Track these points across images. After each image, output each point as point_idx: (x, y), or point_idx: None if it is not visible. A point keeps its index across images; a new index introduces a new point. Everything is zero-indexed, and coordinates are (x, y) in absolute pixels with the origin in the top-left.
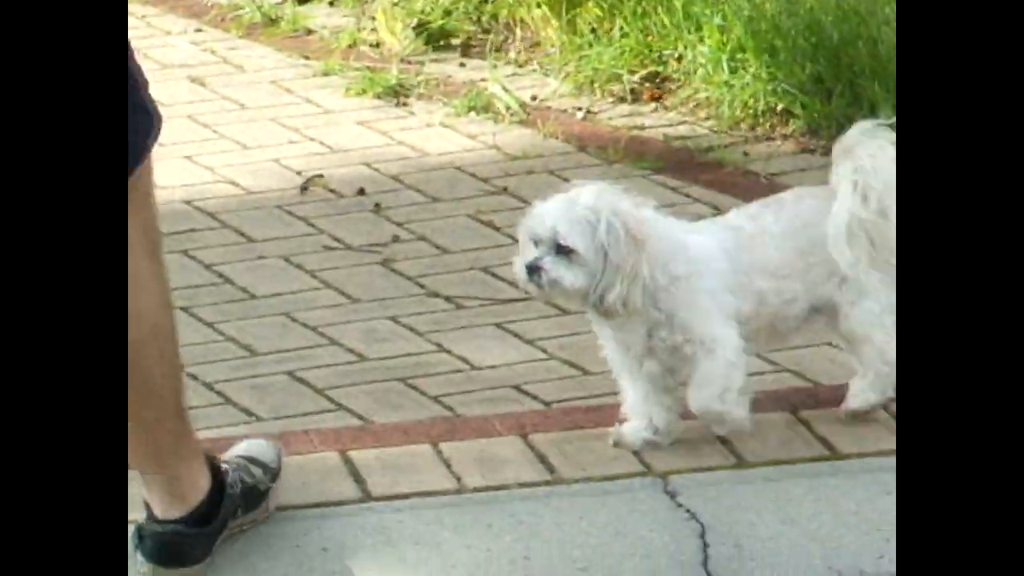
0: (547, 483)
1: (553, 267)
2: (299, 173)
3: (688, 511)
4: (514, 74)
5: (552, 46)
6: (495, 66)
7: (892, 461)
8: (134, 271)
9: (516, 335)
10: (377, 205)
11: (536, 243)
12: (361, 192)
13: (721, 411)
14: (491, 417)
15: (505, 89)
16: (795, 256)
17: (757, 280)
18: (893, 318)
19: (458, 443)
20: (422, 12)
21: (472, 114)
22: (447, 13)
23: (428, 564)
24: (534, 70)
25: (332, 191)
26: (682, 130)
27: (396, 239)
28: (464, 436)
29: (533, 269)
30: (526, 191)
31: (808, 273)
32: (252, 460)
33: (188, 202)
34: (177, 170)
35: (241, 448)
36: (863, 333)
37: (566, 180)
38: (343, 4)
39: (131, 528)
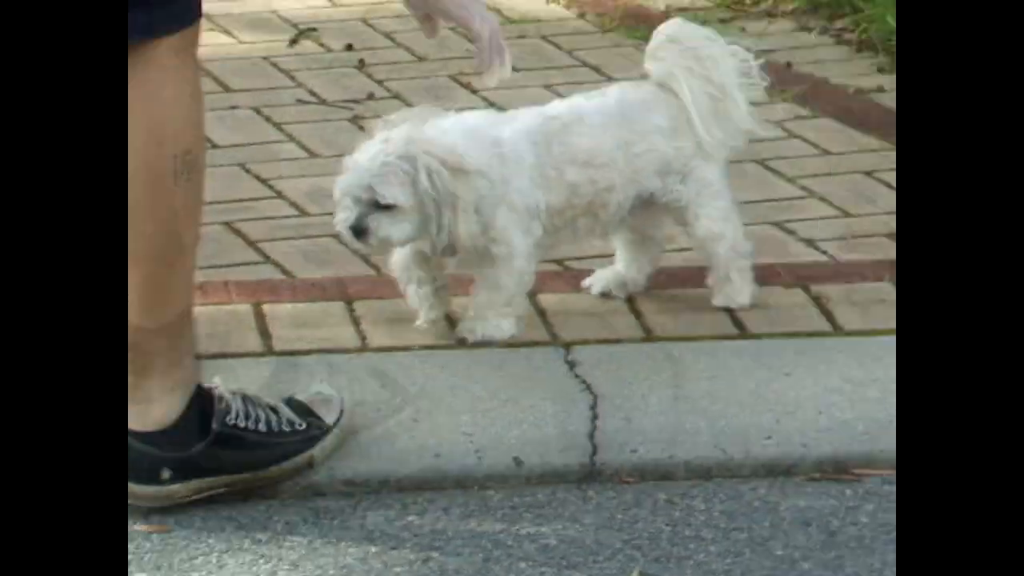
0: (448, 347)
1: (379, 225)
2: (295, 26)
3: (584, 382)
4: None
5: None
6: None
7: (797, 341)
8: None
9: None
10: (361, 61)
11: (355, 201)
12: (349, 48)
13: (502, 315)
14: None
15: None
16: (613, 145)
17: (568, 171)
18: (736, 208)
19: (374, 302)
20: None
21: None
22: None
23: None
24: None
25: (322, 45)
26: (684, 2)
27: (371, 96)
28: (382, 295)
29: (359, 231)
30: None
31: (631, 164)
32: None
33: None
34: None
35: None
36: (717, 231)
37: (557, 47)
38: None
39: None
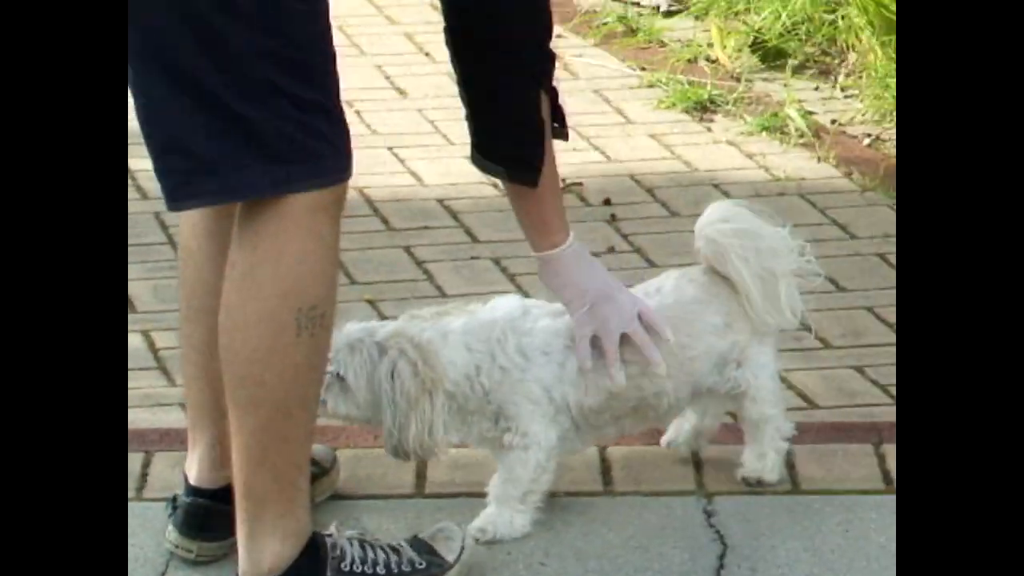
0: (591, 493)
1: (332, 392)
2: (563, 180)
3: (717, 532)
4: (831, 97)
5: (875, 71)
6: (816, 88)
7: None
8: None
9: None
10: (613, 216)
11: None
12: (607, 202)
13: (515, 511)
14: None
15: (806, 111)
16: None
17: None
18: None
19: None
20: (759, 30)
21: (764, 134)
22: (785, 32)
23: None
24: (854, 94)
25: (582, 199)
26: None
27: (611, 250)
28: None
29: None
30: (765, 215)
31: (684, 367)
32: None
33: (440, 200)
34: (452, 165)
35: None
36: (769, 415)
37: (812, 205)
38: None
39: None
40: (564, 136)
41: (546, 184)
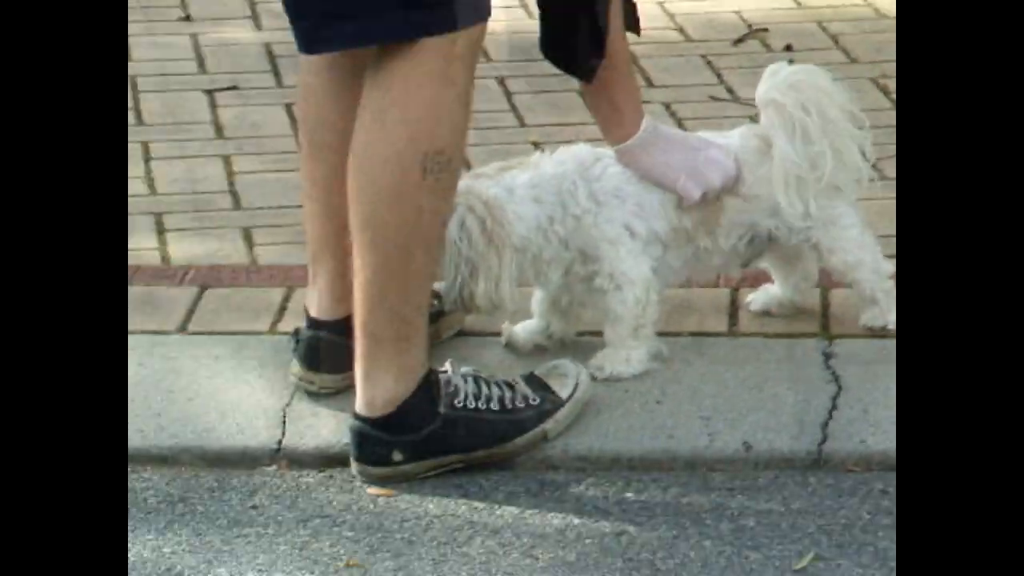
0: (717, 333)
1: None
2: (750, 26)
3: (833, 373)
4: None
5: None
6: None
7: None
8: None
9: None
10: (790, 62)
11: None
12: (787, 48)
13: (632, 347)
14: None
15: None
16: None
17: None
18: (870, 232)
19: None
20: None
21: None
22: None
23: None
24: None
25: (765, 45)
26: None
27: None
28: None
29: None
30: None
31: (745, 206)
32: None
33: None
34: (642, 8)
35: None
36: (854, 260)
37: None
38: None
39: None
40: (636, 31)
41: (614, 78)
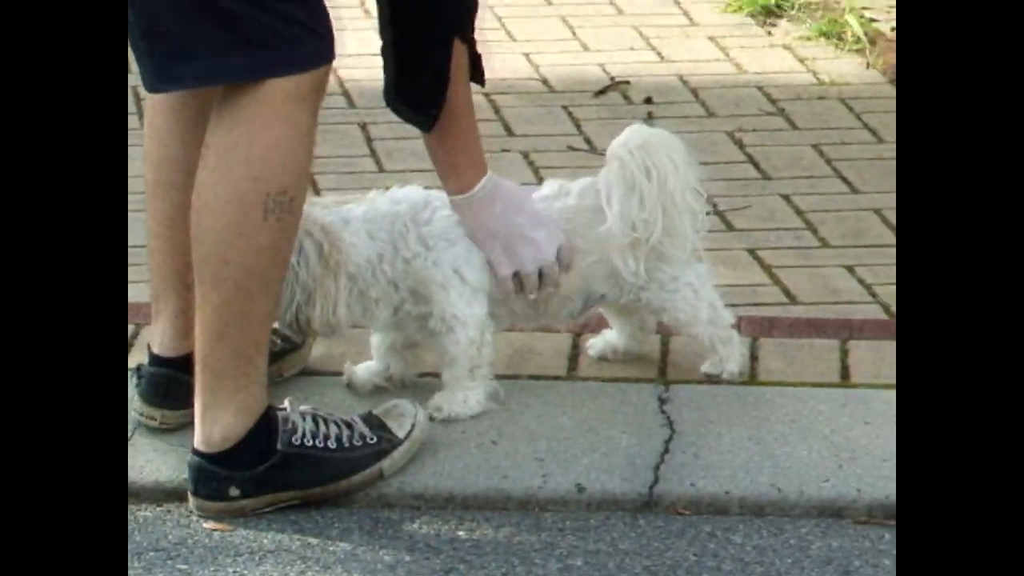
0: (555, 377)
1: None
2: (613, 79)
3: (668, 418)
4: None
5: None
6: None
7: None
8: None
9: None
10: (649, 114)
11: None
12: (648, 100)
13: (469, 388)
14: None
15: (868, 19)
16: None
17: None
18: (709, 285)
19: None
20: None
21: (822, 39)
22: None
23: None
24: None
25: (625, 97)
26: None
27: None
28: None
29: None
30: (799, 119)
31: (581, 272)
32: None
33: (487, 94)
34: (507, 61)
35: None
36: (686, 318)
37: (849, 109)
38: None
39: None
40: (481, 82)
41: (453, 130)
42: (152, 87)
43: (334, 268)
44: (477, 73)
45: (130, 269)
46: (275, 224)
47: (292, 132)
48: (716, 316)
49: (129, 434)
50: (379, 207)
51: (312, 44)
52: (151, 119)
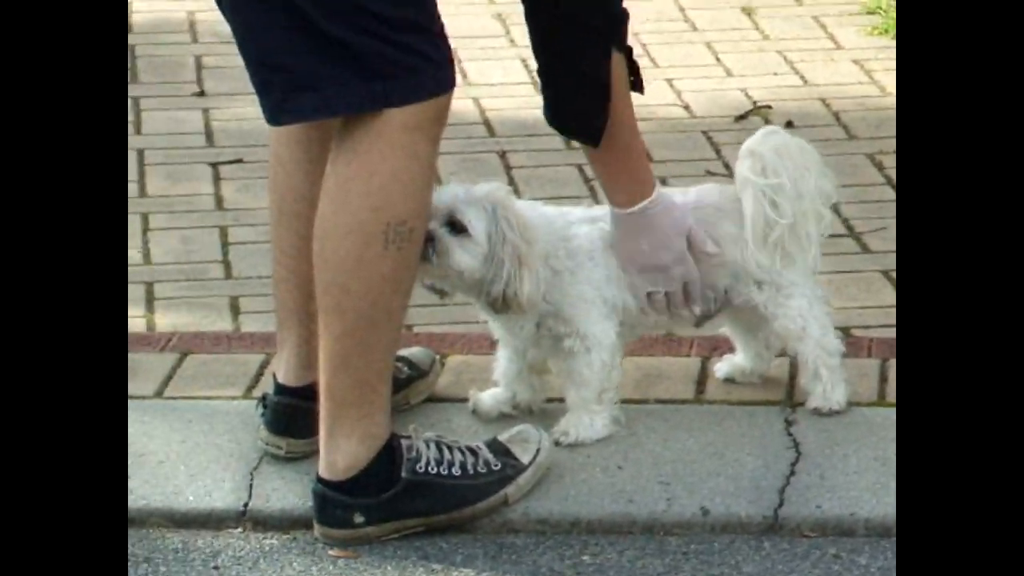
0: (682, 401)
1: (447, 240)
2: (755, 103)
3: (794, 440)
4: None
5: None
6: None
7: None
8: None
9: None
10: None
11: (435, 219)
12: (788, 124)
13: (595, 412)
14: None
15: None
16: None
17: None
18: (824, 308)
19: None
20: None
21: None
22: None
23: None
24: None
25: (767, 122)
26: None
27: None
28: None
29: (425, 239)
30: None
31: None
32: (400, 359)
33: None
34: (649, 87)
35: None
36: (797, 330)
37: None
38: None
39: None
40: (640, 90)
41: (617, 144)
42: (273, 120)
43: (532, 242)
44: (637, 82)
45: (241, 300)
46: (396, 254)
47: (411, 162)
48: (826, 340)
49: (256, 463)
50: (529, 214)
51: (431, 73)
52: (275, 150)
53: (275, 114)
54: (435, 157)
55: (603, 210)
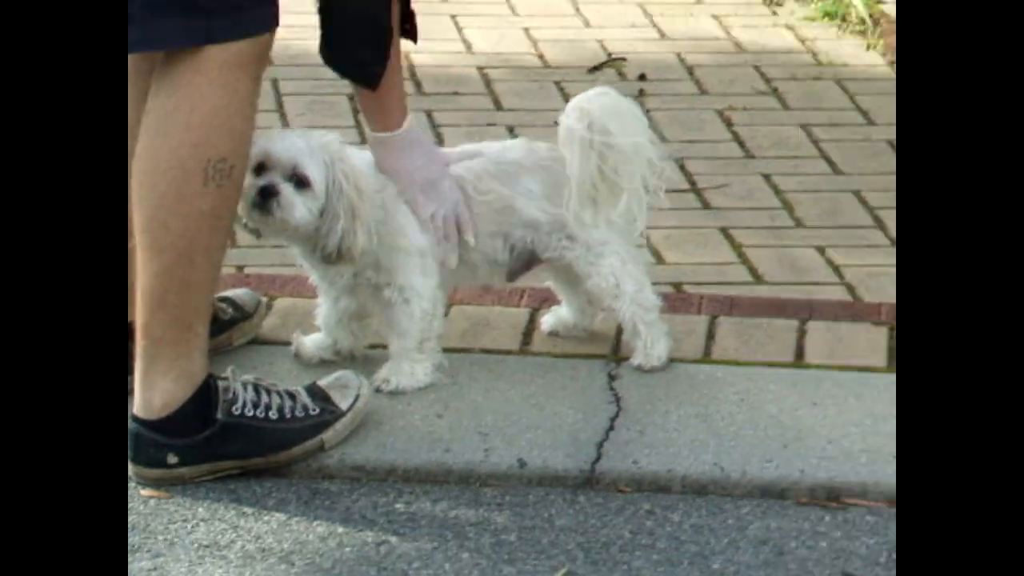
0: (507, 352)
1: (291, 195)
2: (610, 55)
3: (615, 395)
4: None
5: None
6: None
7: (846, 374)
8: None
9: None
10: (641, 91)
11: (264, 168)
12: (641, 77)
13: (417, 360)
14: None
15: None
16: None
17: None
18: (639, 264)
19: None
20: None
21: (825, 20)
22: None
23: None
24: None
25: (620, 74)
26: None
27: None
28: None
29: (268, 192)
30: (792, 99)
31: (495, 216)
32: (224, 299)
33: (480, 68)
34: (506, 35)
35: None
36: (611, 288)
37: (844, 90)
38: None
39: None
40: (413, 39)
41: (388, 80)
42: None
43: (365, 194)
44: (411, 28)
45: None
46: (215, 191)
47: (232, 99)
48: (641, 296)
49: None
50: (360, 165)
51: (254, 12)
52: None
53: None
54: (256, 95)
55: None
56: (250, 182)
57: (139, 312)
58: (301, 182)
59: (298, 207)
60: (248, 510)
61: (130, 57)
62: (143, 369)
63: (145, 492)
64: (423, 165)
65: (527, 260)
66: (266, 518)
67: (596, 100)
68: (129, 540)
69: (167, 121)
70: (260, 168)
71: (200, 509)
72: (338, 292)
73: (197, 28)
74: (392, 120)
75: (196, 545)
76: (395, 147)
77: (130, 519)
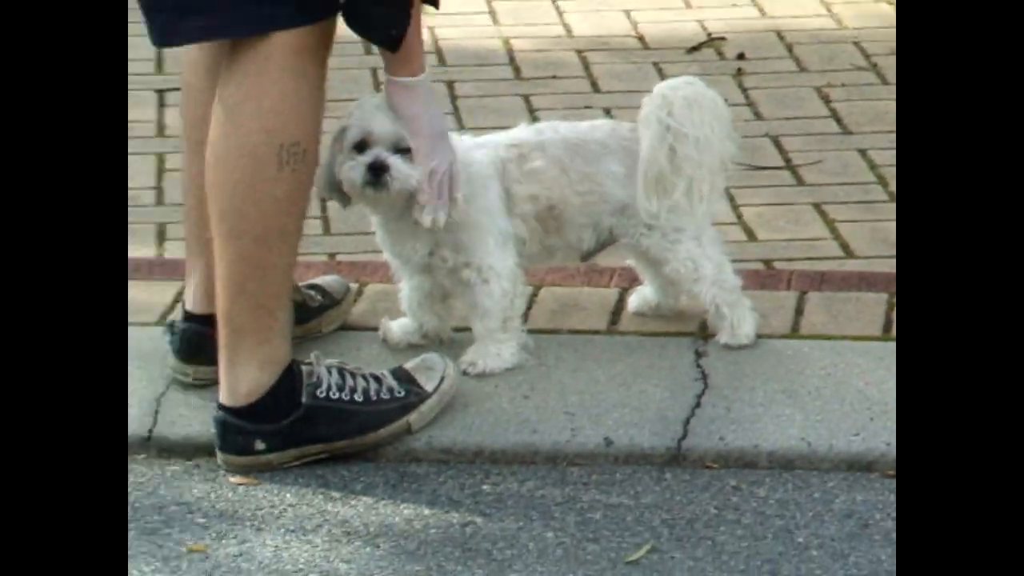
0: (593, 331)
1: (400, 165)
2: (709, 35)
3: (702, 372)
4: None
5: None
6: None
7: None
8: None
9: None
10: (739, 70)
11: (367, 145)
12: (740, 56)
13: (502, 341)
14: None
15: None
16: (559, 172)
17: (522, 203)
18: (717, 245)
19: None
20: None
21: None
22: None
23: None
24: None
25: (720, 54)
26: None
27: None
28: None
29: (379, 168)
30: (891, 74)
31: (582, 197)
32: (314, 287)
33: (579, 51)
34: (605, 17)
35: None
36: (689, 273)
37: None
38: None
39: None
40: (436, 4)
41: (411, 28)
42: (159, 42)
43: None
44: None
45: (168, 227)
46: (290, 175)
47: (300, 84)
48: (722, 278)
49: (163, 390)
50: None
51: None
52: (186, 78)
53: (162, 36)
54: (323, 79)
55: (488, 138)
56: (355, 160)
57: (219, 301)
58: (405, 151)
59: (413, 176)
60: (336, 494)
61: (186, 52)
62: (227, 357)
63: (234, 479)
64: (438, 116)
65: (604, 242)
66: (353, 502)
67: (680, 89)
68: (217, 527)
69: (238, 110)
70: (362, 145)
71: (288, 495)
72: (412, 270)
73: (262, 15)
74: (416, 65)
75: (283, 530)
76: (419, 93)
77: (218, 507)
